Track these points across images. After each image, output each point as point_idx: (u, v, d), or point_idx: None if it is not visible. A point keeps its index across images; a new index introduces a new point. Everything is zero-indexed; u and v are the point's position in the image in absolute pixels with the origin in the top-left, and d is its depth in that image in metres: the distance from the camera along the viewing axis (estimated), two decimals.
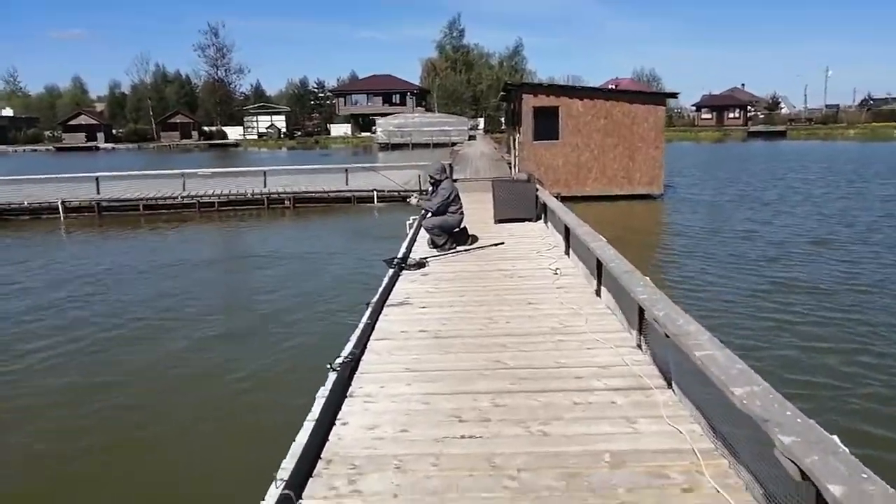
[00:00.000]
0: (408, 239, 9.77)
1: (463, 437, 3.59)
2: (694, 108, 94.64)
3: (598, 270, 6.42)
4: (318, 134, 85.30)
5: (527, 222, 11.25)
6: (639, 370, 4.40)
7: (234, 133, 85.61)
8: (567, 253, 8.52)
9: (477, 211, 12.44)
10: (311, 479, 3.21)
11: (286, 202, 19.31)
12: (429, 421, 3.79)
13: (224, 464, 5.36)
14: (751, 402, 2.70)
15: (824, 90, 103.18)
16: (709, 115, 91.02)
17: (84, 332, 8.67)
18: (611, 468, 3.18)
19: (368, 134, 73.94)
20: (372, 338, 5.38)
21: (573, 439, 3.50)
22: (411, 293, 6.83)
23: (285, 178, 20.58)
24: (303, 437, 3.57)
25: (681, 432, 3.49)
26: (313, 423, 3.72)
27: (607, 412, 3.82)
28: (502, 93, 27.00)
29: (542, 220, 11.34)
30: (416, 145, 60.37)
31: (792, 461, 2.29)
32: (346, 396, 4.22)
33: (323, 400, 4.05)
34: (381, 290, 6.80)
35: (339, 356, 4.83)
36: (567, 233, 8.51)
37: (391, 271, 7.67)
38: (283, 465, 3.27)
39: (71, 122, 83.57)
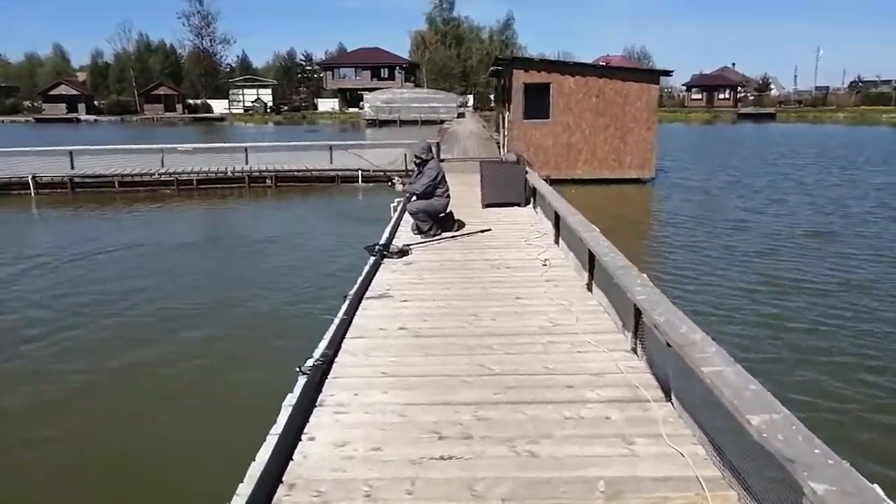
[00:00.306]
0: (391, 224, 9.36)
1: (442, 457, 3.23)
2: (684, 87, 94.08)
3: (591, 263, 6.07)
4: (306, 109, 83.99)
5: (515, 207, 10.87)
6: (635, 379, 4.06)
7: (219, 107, 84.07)
8: (557, 242, 8.17)
9: (464, 193, 12.04)
10: None
11: (268, 181, 18.75)
12: (405, 437, 3.44)
13: (177, 488, 4.80)
14: (771, 436, 2.36)
15: (815, 71, 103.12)
16: (699, 96, 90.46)
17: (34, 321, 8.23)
18: (606, 500, 2.85)
19: (356, 109, 72.90)
20: (348, 335, 5.00)
21: (564, 463, 3.15)
22: (392, 284, 6.45)
23: (268, 156, 19.99)
24: (264, 455, 3.23)
25: (683, 455, 3.16)
26: (276, 437, 3.38)
27: (601, 429, 3.48)
28: (493, 68, 26.38)
29: (531, 205, 10.97)
30: (404, 122, 59.66)
31: None
32: (315, 405, 3.84)
33: (290, 409, 3.71)
34: (360, 280, 6.42)
35: (310, 356, 4.47)
36: (557, 220, 8.15)
37: (372, 259, 7.29)
38: (238, 492, 2.94)
39: (51, 93, 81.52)
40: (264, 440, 3.37)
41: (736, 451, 2.85)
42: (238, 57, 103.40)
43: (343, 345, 4.80)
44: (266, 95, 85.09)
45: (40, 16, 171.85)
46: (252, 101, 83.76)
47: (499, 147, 23.63)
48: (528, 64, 18.99)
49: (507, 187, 10.87)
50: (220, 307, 8.76)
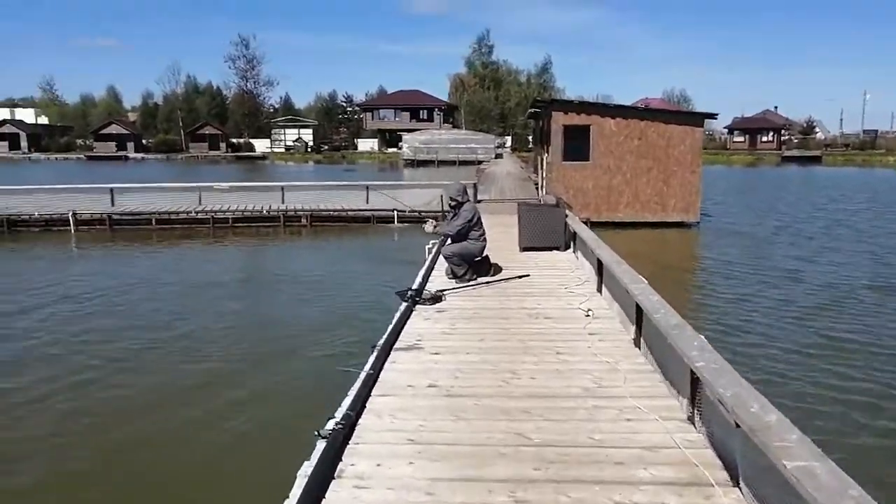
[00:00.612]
0: (424, 267, 9.01)
1: None
2: (726, 130, 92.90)
3: (638, 317, 5.60)
4: (345, 148, 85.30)
5: (554, 251, 10.45)
6: (694, 456, 3.56)
7: (261, 145, 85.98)
8: (599, 290, 7.70)
9: (501, 236, 11.68)
10: None
11: (303, 220, 18.68)
12: None
13: None
14: None
15: (862, 115, 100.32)
16: (741, 138, 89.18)
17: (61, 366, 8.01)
18: None
19: (395, 150, 73.69)
20: (374, 392, 4.62)
21: None
22: (424, 334, 6.06)
23: (304, 195, 20.00)
24: None
25: None
26: None
27: None
28: (531, 110, 26.27)
29: (570, 250, 10.53)
30: (441, 162, 59.93)
31: None
32: (333, 477, 3.45)
33: (305, 480, 3.31)
34: (390, 328, 6.06)
35: (332, 417, 4.09)
36: (600, 267, 7.70)
37: (403, 305, 6.93)
38: None
39: (102, 132, 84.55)
40: None
41: None
42: (281, 98, 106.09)
43: (368, 403, 4.42)
44: (307, 135, 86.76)
45: (98, 58, 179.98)
46: (293, 141, 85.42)
47: (537, 188, 23.29)
48: (568, 106, 18.75)
49: (546, 231, 10.47)
50: (241, 356, 8.31)
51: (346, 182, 21.89)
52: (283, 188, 19.67)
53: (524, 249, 10.50)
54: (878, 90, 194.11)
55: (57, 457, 5.78)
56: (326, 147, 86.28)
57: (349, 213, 19.00)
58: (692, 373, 3.90)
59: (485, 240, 8.61)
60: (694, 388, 4.00)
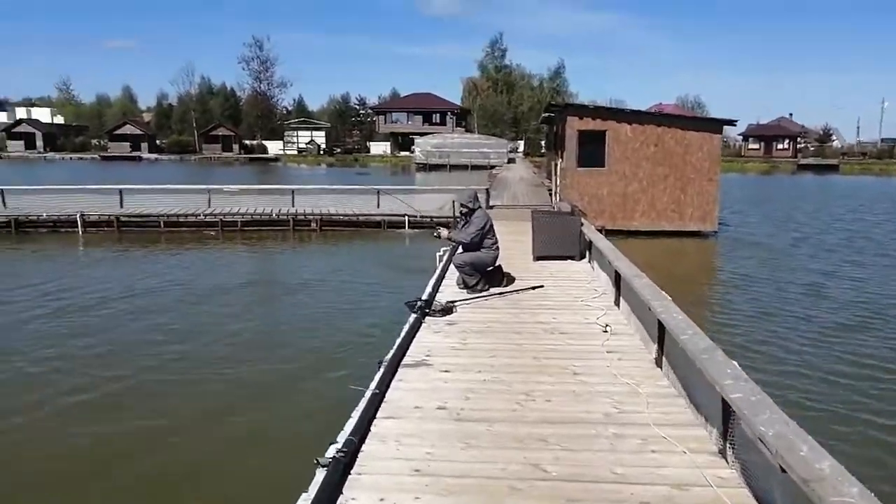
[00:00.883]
0: (434, 276, 8.72)
1: None
2: (740, 137, 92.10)
3: (660, 335, 5.28)
4: (358, 151, 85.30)
5: (569, 260, 10.12)
6: (728, 497, 3.24)
7: (274, 147, 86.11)
8: (617, 303, 7.38)
9: (513, 244, 11.37)
10: None
11: (312, 224, 18.45)
12: None
13: None
14: None
15: (880, 123, 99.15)
16: (756, 146, 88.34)
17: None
18: None
19: (407, 153, 73.56)
20: (379, 413, 4.33)
21: None
22: (433, 349, 5.77)
23: (314, 198, 19.78)
24: None
25: None
26: None
27: None
28: (545, 114, 25.92)
29: (585, 259, 10.21)
30: (454, 167, 59.71)
31: None
32: None
33: None
34: (397, 343, 5.77)
35: (334, 441, 3.80)
36: (618, 279, 7.38)
37: (413, 317, 6.64)
38: None
39: (117, 132, 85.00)
40: None
41: None
42: (294, 100, 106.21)
43: (372, 427, 4.13)
44: (319, 137, 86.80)
45: (115, 59, 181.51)
46: (306, 143, 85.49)
47: (550, 194, 22.96)
48: (583, 111, 18.41)
49: (560, 240, 10.15)
50: (241, 372, 7.91)
51: (357, 186, 21.53)
52: (293, 191, 19.45)
53: (538, 258, 10.19)
54: None
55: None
56: (339, 150, 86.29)
57: (360, 217, 18.75)
58: (724, 402, 3.59)
59: (497, 248, 8.31)
60: (726, 420, 3.68)
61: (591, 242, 9.86)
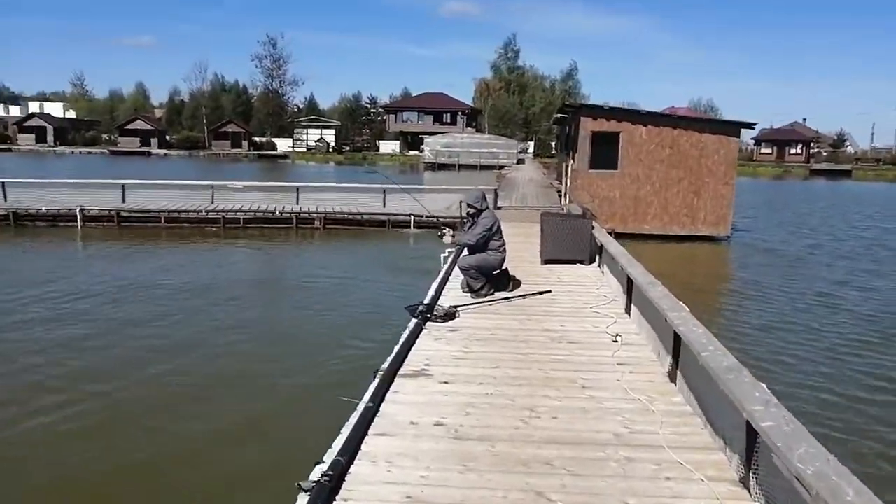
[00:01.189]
0: (438, 279, 8.38)
1: None
2: (752, 141, 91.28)
3: (675, 347, 4.94)
4: (367, 150, 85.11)
5: (578, 265, 9.77)
6: None
7: (283, 144, 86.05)
8: (628, 311, 7.03)
9: (521, 246, 11.05)
10: None
11: (316, 222, 18.13)
12: None
13: None
14: None
15: (895, 129, 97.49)
16: (769, 150, 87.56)
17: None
18: None
19: (416, 152, 73.27)
20: (371, 430, 4.01)
21: None
22: (433, 358, 5.44)
23: (319, 196, 19.44)
24: None
25: None
26: None
27: None
28: (557, 115, 25.54)
29: (595, 263, 9.85)
30: (463, 166, 59.38)
31: None
32: None
33: None
34: (395, 350, 5.45)
35: (320, 461, 3.49)
36: (629, 285, 7.03)
37: (413, 323, 6.31)
38: None
39: (127, 127, 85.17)
40: None
41: None
42: (306, 98, 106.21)
43: (363, 444, 3.81)
44: (329, 135, 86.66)
45: (130, 55, 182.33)
46: (315, 141, 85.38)
47: (560, 196, 22.59)
48: (597, 111, 18.00)
49: (570, 243, 9.80)
50: (231, 378, 7.51)
51: (362, 185, 21.15)
52: (297, 188, 19.14)
53: (546, 262, 9.84)
54: None
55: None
56: (348, 148, 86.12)
57: (364, 216, 18.43)
58: (749, 427, 3.24)
59: (504, 251, 7.98)
60: (751, 446, 3.33)
61: (601, 246, 9.50)
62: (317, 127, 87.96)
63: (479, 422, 4.18)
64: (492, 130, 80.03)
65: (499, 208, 18.01)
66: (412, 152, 77.08)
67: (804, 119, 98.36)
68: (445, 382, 4.88)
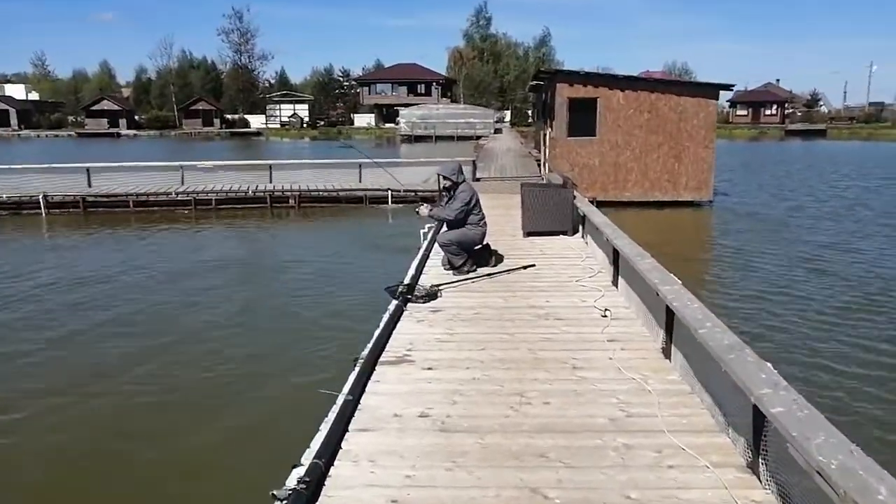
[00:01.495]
0: (417, 257, 8.10)
1: None
2: (727, 104, 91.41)
3: (668, 321, 4.71)
4: (342, 124, 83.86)
5: (561, 236, 9.53)
6: None
7: (256, 121, 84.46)
8: (615, 283, 6.80)
9: (501, 219, 10.80)
10: None
11: (291, 201, 17.66)
12: None
13: None
14: None
15: (867, 87, 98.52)
16: (744, 112, 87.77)
17: None
18: None
19: (392, 125, 72.33)
20: (352, 425, 3.75)
21: None
22: (415, 342, 5.18)
23: (294, 174, 18.92)
24: None
25: None
26: None
27: None
28: (532, 82, 25.12)
29: (578, 234, 9.62)
30: (439, 138, 58.75)
31: None
32: None
33: None
34: (375, 335, 5.17)
35: (297, 464, 3.22)
36: (616, 256, 6.79)
37: (393, 305, 6.03)
38: None
39: (94, 108, 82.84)
40: None
41: None
42: (276, 73, 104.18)
43: (344, 442, 3.54)
44: (303, 111, 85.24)
45: (93, 33, 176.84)
46: (289, 117, 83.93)
47: (539, 165, 22.30)
48: (574, 77, 17.62)
49: (552, 214, 9.54)
50: (205, 371, 7.09)
51: (337, 160, 20.58)
52: (270, 167, 18.59)
53: (528, 234, 9.59)
54: (885, 61, 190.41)
55: None
56: (323, 123, 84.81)
57: (340, 193, 17.98)
58: (757, 409, 3.02)
59: (485, 224, 7.70)
60: (758, 429, 3.11)
61: (584, 216, 9.26)
62: (289, 102, 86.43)
63: (467, 411, 3.93)
64: (467, 100, 79.26)
65: (477, 180, 17.69)
66: (388, 125, 76.14)
67: (777, 80, 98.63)
68: (429, 368, 4.63)
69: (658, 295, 4.72)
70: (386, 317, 5.67)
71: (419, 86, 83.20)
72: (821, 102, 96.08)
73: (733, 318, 8.33)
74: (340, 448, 3.48)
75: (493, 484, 3.12)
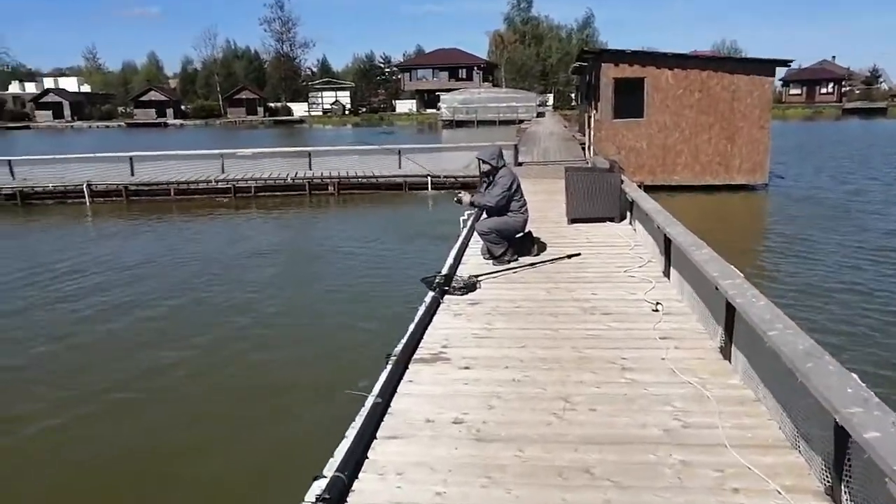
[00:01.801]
0: (456, 246, 7.76)
1: None
2: (780, 82, 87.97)
3: (729, 319, 4.27)
4: (383, 110, 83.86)
5: (608, 222, 9.06)
6: None
7: (299, 109, 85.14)
8: (667, 274, 6.34)
9: (544, 205, 10.40)
10: None
11: (330, 188, 17.51)
12: None
13: None
14: None
15: None
16: (797, 91, 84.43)
17: None
18: None
19: (433, 111, 71.87)
20: (380, 432, 3.46)
21: None
22: (451, 337, 4.86)
23: (334, 161, 18.76)
24: None
25: None
26: None
27: None
28: (576, 63, 24.35)
29: (626, 221, 9.14)
30: (481, 122, 58.09)
31: None
32: None
33: None
34: (410, 329, 4.88)
35: (319, 475, 2.95)
36: (668, 245, 6.33)
37: (430, 297, 5.72)
38: None
39: (142, 99, 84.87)
40: None
41: None
42: (318, 60, 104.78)
43: (370, 452, 3.26)
44: (344, 98, 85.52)
45: (141, 26, 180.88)
46: (331, 104, 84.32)
47: (583, 149, 21.66)
48: (619, 56, 16.89)
49: (598, 199, 9.08)
50: (229, 374, 6.76)
51: (376, 146, 20.27)
52: (309, 154, 18.49)
53: (573, 221, 9.15)
54: None
55: None
56: (364, 109, 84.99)
57: (379, 179, 17.75)
58: (838, 427, 2.59)
59: (527, 211, 7.31)
60: (840, 451, 2.69)
61: (632, 202, 8.77)
62: (331, 89, 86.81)
63: (505, 417, 3.60)
64: (509, 84, 78.13)
65: (519, 164, 17.24)
66: (429, 110, 75.74)
67: (833, 57, 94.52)
68: (466, 368, 4.31)
69: (717, 289, 4.28)
70: (422, 309, 5.37)
71: (460, 70, 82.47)
72: (881, 79, 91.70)
73: (795, 311, 7.67)
74: (367, 458, 3.20)
75: None
